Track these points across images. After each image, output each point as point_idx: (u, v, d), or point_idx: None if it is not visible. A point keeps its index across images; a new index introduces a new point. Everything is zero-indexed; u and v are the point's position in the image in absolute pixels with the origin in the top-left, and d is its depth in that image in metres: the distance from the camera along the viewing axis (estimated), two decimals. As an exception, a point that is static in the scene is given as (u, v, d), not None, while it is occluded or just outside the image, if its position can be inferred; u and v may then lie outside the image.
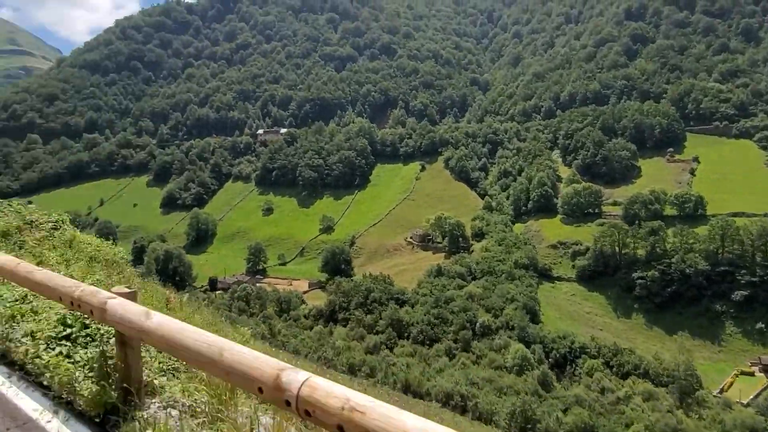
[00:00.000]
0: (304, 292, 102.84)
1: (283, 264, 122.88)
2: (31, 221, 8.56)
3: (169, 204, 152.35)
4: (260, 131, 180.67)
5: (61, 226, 8.72)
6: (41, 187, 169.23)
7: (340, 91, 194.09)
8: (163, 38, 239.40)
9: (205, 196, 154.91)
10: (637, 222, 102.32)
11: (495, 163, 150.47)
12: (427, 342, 74.29)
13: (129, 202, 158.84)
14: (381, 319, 79.54)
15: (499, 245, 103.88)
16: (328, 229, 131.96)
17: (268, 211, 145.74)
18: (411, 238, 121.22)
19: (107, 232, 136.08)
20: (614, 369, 70.81)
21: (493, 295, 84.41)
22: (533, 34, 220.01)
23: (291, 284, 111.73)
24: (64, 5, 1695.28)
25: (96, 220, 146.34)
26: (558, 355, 71.99)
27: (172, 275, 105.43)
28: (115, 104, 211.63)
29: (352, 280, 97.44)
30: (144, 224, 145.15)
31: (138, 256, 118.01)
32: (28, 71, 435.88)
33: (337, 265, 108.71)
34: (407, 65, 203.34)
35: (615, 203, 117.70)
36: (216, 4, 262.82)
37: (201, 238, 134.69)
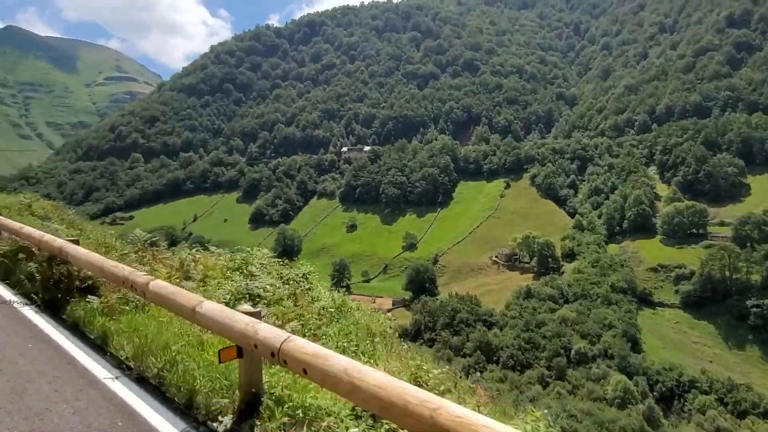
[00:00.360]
0: (388, 310, 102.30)
1: (367, 281, 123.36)
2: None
3: (257, 220, 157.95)
4: (344, 149, 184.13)
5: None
6: (142, 203, 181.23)
7: (422, 108, 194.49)
8: (253, 61, 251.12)
9: (291, 212, 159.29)
10: (749, 244, 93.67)
11: (585, 180, 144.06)
12: (518, 368, 71.07)
13: (220, 217, 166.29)
14: (468, 341, 77.30)
15: (593, 267, 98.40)
16: (411, 247, 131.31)
17: (352, 227, 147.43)
18: (496, 257, 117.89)
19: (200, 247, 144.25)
20: (729, 407, 64.24)
21: (589, 320, 79.72)
22: (624, 45, 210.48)
23: (375, 301, 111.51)
24: (165, 35, 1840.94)
25: (190, 234, 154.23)
26: (664, 389, 66.43)
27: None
28: (208, 124, 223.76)
29: (437, 299, 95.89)
30: (234, 239, 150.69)
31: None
32: (132, 96, 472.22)
33: (421, 284, 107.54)
34: (490, 81, 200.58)
35: (722, 223, 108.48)
36: (303, 28, 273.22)
37: (287, 254, 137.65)
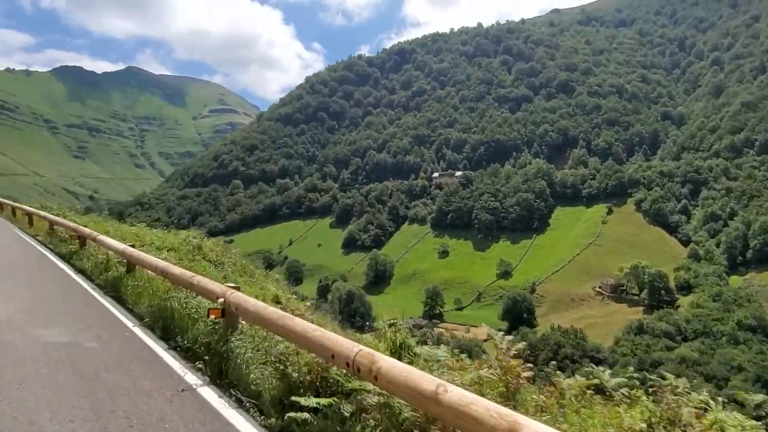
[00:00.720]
0: (484, 341, 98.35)
1: (460, 309, 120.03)
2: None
3: (350, 245, 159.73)
4: (435, 174, 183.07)
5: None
6: (242, 227, 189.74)
7: (515, 132, 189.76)
8: (346, 90, 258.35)
9: (383, 237, 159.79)
10: None
11: (699, 206, 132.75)
12: (633, 410, 64.78)
13: (314, 242, 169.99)
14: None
15: (714, 301, 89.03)
16: (505, 274, 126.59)
17: (444, 253, 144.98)
18: (600, 287, 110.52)
19: (295, 270, 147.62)
20: None
21: (713, 361, 71.63)
22: (738, 59, 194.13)
23: (469, 331, 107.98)
24: (262, 69, 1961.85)
25: (285, 258, 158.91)
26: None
27: (353, 315, 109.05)
28: (303, 152, 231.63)
29: (536, 330, 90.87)
30: (327, 263, 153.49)
31: (322, 294, 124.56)
32: (233, 126, 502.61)
33: (518, 314, 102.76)
34: (588, 102, 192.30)
35: None
36: (393, 56, 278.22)
37: (379, 279, 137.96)
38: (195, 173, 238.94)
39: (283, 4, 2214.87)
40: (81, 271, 12.26)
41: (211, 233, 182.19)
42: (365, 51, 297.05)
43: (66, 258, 14.15)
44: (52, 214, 20.06)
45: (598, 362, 76.02)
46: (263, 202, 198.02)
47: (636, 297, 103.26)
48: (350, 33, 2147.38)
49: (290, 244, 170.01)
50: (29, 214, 22.08)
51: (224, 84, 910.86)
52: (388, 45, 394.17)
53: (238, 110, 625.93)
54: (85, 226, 14.76)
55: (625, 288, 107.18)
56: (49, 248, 16.46)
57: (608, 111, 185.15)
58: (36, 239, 18.80)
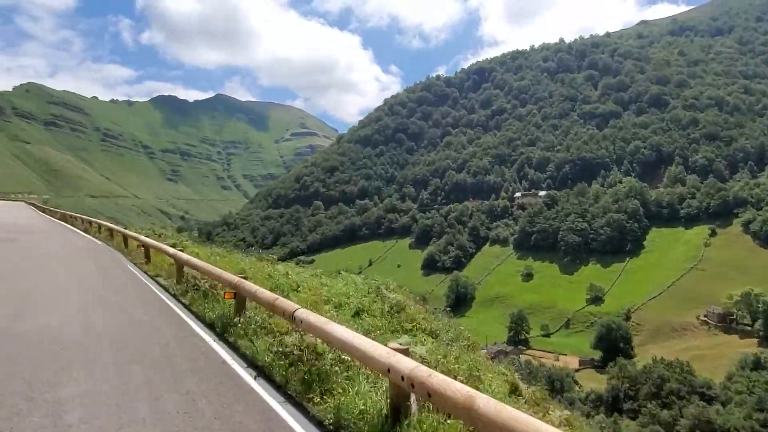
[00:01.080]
0: (575, 371, 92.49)
1: (547, 335, 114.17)
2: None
3: (430, 266, 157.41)
4: (517, 194, 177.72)
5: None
6: (323, 247, 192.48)
7: (603, 149, 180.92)
8: (424, 111, 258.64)
9: (463, 259, 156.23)
10: None
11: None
12: (754, 457, 57.65)
13: (393, 262, 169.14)
14: (682, 416, 65.27)
15: None
16: (596, 300, 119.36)
17: (528, 276, 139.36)
18: (706, 316, 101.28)
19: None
20: None
21: None
22: None
23: (558, 359, 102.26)
24: (341, 93, 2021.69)
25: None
26: None
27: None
28: (382, 173, 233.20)
29: (635, 362, 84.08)
30: (407, 284, 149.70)
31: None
32: (313, 149, 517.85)
33: (613, 343, 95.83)
34: (683, 116, 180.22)
35: None
36: (472, 76, 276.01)
37: (460, 301, 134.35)
38: (278, 194, 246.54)
39: (362, 29, 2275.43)
40: (256, 367, 6.89)
41: (294, 253, 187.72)
42: (442, 72, 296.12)
43: (217, 329, 8.75)
44: (173, 247, 15.50)
45: (709, 400, 69.10)
46: (343, 223, 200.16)
47: (748, 327, 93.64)
48: (427, 55, 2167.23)
49: (370, 264, 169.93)
50: (145, 247, 17.91)
51: (305, 108, 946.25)
52: (464, 65, 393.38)
53: (318, 133, 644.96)
54: (244, 276, 9.50)
55: (735, 317, 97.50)
56: (182, 304, 11.05)
57: (707, 125, 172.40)
58: (156, 282, 14.08)
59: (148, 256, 17.39)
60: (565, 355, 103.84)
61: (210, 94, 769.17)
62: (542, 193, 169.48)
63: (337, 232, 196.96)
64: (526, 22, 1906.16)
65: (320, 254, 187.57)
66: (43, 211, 53.68)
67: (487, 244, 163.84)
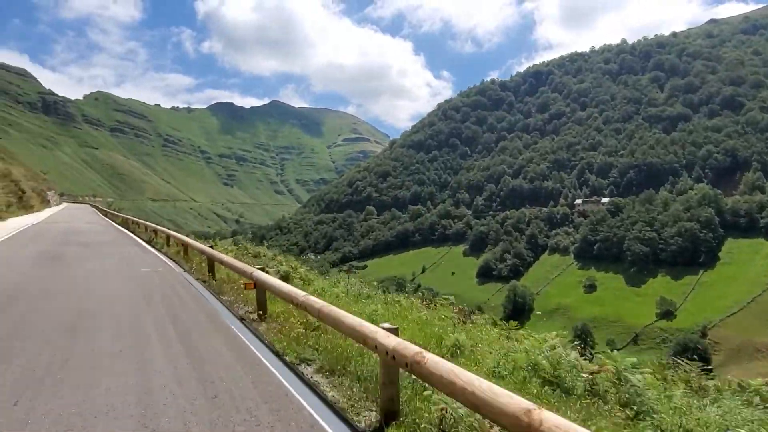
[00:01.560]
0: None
1: (614, 351, 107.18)
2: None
3: (485, 274, 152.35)
4: (578, 201, 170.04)
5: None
6: (375, 253, 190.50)
7: (671, 154, 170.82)
8: (478, 115, 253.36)
9: (521, 267, 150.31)
10: None
11: None
12: None
13: (447, 270, 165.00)
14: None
15: None
16: (667, 315, 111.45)
17: (590, 287, 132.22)
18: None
19: (429, 299, 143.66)
20: None
21: None
22: None
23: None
24: (393, 98, 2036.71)
25: (419, 286, 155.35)
26: None
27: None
28: (435, 178, 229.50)
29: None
30: (461, 293, 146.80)
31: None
32: (365, 154, 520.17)
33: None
34: (761, 119, 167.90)
35: None
36: (528, 79, 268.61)
37: (518, 312, 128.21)
38: (330, 199, 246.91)
39: (414, 35, 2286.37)
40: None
41: (346, 258, 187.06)
42: (494, 76, 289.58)
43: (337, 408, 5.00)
44: (286, 279, 11.68)
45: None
46: (396, 228, 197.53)
47: None
48: (479, 59, 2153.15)
49: (423, 271, 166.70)
50: (210, 258, 13.99)
51: (356, 114, 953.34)
52: (518, 69, 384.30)
53: (370, 138, 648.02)
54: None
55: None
56: (271, 349, 7.33)
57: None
58: (223, 303, 10.57)
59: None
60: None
61: (265, 101, 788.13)
62: (605, 200, 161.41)
63: (389, 238, 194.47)
64: (583, 25, 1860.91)
65: (373, 260, 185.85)
66: (105, 215, 51.54)
67: (546, 252, 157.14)
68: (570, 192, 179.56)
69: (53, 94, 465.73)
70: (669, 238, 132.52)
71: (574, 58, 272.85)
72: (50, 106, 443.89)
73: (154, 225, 28.86)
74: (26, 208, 39.05)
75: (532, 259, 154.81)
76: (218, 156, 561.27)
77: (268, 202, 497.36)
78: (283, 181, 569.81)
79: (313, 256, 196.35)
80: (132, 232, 30.91)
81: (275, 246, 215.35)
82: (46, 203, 59.09)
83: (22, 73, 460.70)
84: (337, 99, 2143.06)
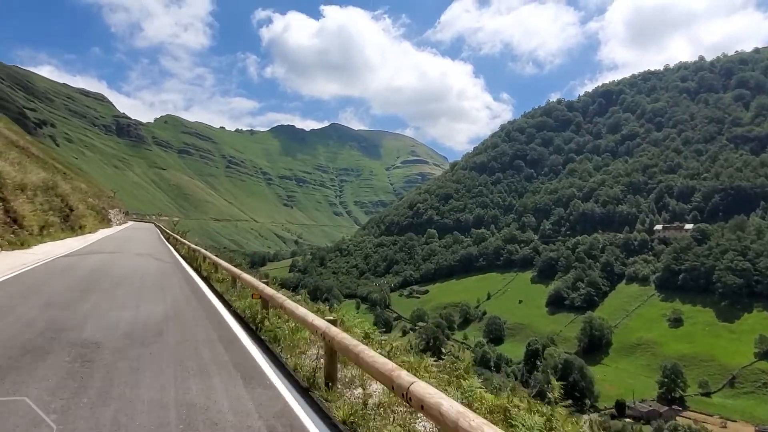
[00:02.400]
0: (752, 444, 75.94)
1: (707, 394, 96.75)
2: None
3: (556, 303, 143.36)
4: (658, 227, 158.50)
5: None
6: (437, 277, 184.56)
7: (762, 177, 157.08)
8: (544, 137, 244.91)
9: (595, 297, 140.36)
10: None
11: None
12: None
13: (514, 297, 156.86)
14: None
15: None
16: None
17: (676, 321, 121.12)
18: None
19: (495, 328, 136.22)
20: None
21: None
22: None
23: (725, 425, 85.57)
24: (451, 121, 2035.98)
25: (484, 313, 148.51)
26: None
27: (571, 389, 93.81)
28: (499, 201, 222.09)
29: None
30: (530, 322, 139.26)
31: (530, 359, 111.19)
32: (423, 176, 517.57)
33: (803, 413, 77.94)
34: None
35: None
36: (598, 99, 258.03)
37: (595, 346, 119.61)
38: (391, 221, 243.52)
39: (474, 57, 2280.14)
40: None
41: (407, 282, 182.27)
42: (556, 98, 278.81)
43: None
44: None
45: None
46: (459, 252, 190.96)
47: None
48: (540, 81, 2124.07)
49: (488, 298, 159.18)
50: (263, 300, 10.17)
51: (415, 136, 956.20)
52: (582, 90, 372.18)
53: (428, 161, 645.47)
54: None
55: None
56: None
57: None
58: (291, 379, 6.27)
59: (265, 307, 9.74)
60: (735, 421, 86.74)
61: (325, 124, 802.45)
62: (689, 226, 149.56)
63: (452, 262, 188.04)
64: (651, 44, 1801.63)
65: (434, 284, 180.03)
66: (168, 239, 39.67)
67: (623, 281, 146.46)
68: (647, 217, 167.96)
69: (126, 117, 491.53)
70: (765, 269, 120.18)
71: (647, 76, 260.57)
72: (123, 128, 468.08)
73: (227, 265, 16.01)
74: (73, 228, 33.01)
75: (608, 289, 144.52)
76: (279, 177, 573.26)
77: (327, 224, 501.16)
78: (341, 203, 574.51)
79: (375, 279, 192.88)
80: (205, 276, 17.51)
81: (336, 268, 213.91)
82: (106, 222, 54.74)
83: (99, 98, 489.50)
84: (395, 122, 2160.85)
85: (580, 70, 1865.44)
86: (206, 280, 16.86)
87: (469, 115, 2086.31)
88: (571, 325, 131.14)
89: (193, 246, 25.88)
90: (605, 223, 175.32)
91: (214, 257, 19.19)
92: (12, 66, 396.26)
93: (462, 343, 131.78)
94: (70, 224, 32.06)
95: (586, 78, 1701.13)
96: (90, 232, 37.40)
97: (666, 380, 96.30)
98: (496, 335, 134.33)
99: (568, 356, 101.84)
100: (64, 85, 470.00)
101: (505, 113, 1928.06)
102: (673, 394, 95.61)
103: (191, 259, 23.46)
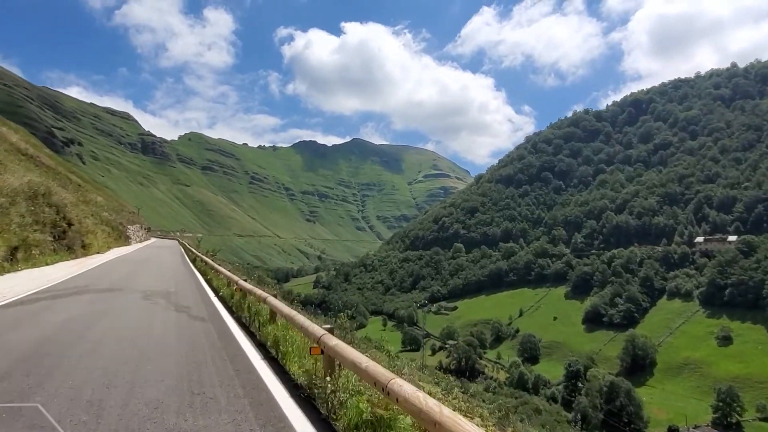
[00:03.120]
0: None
1: (766, 419, 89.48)
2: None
3: (594, 320, 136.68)
4: (699, 239, 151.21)
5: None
6: (465, 293, 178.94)
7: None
8: (572, 148, 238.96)
9: (635, 313, 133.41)
10: None
11: None
12: None
13: (547, 314, 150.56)
14: None
15: None
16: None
17: (725, 339, 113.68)
18: None
19: (530, 347, 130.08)
20: None
21: None
22: None
23: (790, 455, 78.52)
24: (472, 134, 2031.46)
25: (517, 331, 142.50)
26: None
27: (617, 413, 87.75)
28: (527, 214, 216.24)
29: None
30: (566, 340, 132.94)
31: (571, 379, 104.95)
32: (445, 190, 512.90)
33: None
34: None
35: None
36: (627, 108, 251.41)
37: (637, 367, 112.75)
38: (415, 236, 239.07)
39: (495, 70, 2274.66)
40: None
41: (434, 298, 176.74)
42: (579, 110, 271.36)
43: None
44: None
45: None
46: (488, 267, 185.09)
47: None
48: (562, 93, 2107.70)
49: (520, 314, 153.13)
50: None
51: (436, 150, 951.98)
52: (605, 101, 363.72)
53: (450, 174, 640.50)
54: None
55: None
56: None
57: None
58: None
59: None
60: (800, 449, 79.58)
61: (347, 139, 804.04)
62: (732, 237, 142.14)
63: (480, 277, 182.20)
64: (676, 54, 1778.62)
65: (463, 300, 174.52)
66: (194, 260, 32.19)
67: (664, 297, 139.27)
68: (686, 229, 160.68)
69: (151, 135, 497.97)
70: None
71: (678, 84, 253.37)
72: (148, 146, 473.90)
73: (264, 295, 10.15)
74: (71, 248, 25.91)
75: (648, 305, 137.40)
76: (301, 193, 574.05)
77: (350, 239, 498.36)
78: (364, 218, 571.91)
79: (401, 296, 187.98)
80: (244, 324, 10.91)
81: (362, 284, 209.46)
82: (123, 240, 47.69)
83: (125, 117, 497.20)
84: (416, 136, 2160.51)
85: (603, 81, 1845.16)
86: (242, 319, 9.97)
87: (491, 129, 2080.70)
88: (610, 344, 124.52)
89: (247, 285, 12.22)
90: (641, 235, 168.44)
91: (246, 284, 11.90)
92: (42, 87, 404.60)
93: (495, 362, 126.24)
94: (66, 243, 25.74)
95: (609, 89, 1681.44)
96: (97, 252, 31.78)
97: (721, 404, 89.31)
98: (531, 354, 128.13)
99: (614, 378, 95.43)
100: (91, 104, 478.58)
101: (527, 126, 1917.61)
102: (729, 419, 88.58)
103: (238, 305, 12.71)
